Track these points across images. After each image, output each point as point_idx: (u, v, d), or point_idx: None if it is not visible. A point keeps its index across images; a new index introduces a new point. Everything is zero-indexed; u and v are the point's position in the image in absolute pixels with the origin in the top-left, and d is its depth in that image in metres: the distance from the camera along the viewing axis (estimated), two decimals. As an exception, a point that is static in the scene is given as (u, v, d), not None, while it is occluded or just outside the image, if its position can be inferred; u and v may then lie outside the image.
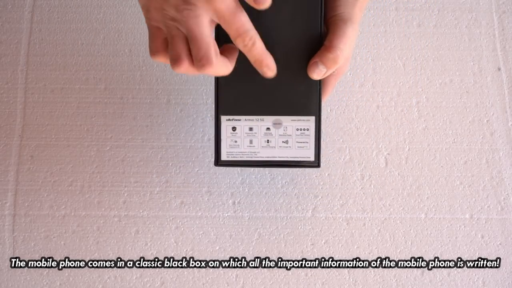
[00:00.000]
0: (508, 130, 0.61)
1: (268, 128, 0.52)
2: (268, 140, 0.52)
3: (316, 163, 0.52)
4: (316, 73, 0.49)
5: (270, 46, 0.49)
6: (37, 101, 0.63)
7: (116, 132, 0.62)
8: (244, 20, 0.45)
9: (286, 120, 0.51)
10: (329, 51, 0.48)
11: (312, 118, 0.51)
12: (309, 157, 0.52)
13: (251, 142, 0.52)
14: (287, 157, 0.52)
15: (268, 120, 0.51)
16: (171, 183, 0.60)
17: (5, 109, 0.62)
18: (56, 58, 0.64)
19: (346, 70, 0.54)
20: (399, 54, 0.64)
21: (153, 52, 0.47)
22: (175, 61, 0.45)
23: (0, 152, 0.61)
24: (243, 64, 0.49)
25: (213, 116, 0.62)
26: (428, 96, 0.62)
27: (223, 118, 0.51)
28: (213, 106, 0.62)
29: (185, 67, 0.45)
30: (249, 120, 0.52)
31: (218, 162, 0.52)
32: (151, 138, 0.61)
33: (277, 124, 0.52)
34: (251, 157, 0.52)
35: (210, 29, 0.45)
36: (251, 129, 0.52)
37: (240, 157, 0.52)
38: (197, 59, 0.45)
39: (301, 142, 0.52)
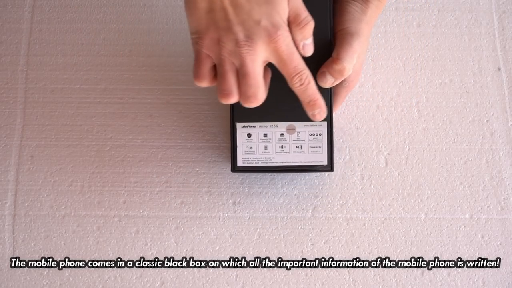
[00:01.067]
0: (508, 130, 0.61)
1: (282, 134, 0.54)
2: (282, 146, 0.54)
3: (329, 167, 0.54)
4: (324, 82, 0.51)
5: None
6: (37, 101, 0.63)
7: (116, 132, 0.62)
8: (300, 60, 0.47)
9: (299, 125, 0.53)
10: (335, 63, 0.50)
11: (324, 123, 0.53)
12: (322, 161, 0.54)
13: (265, 148, 0.54)
14: (301, 161, 0.54)
15: (282, 126, 0.53)
16: (171, 183, 0.60)
17: (5, 109, 0.62)
18: (56, 58, 0.64)
19: (357, 82, 0.56)
20: (399, 54, 0.64)
21: (199, 77, 0.47)
22: (226, 95, 0.46)
23: (0, 152, 0.61)
24: None
25: (214, 116, 0.62)
26: (428, 96, 0.62)
27: (239, 125, 0.53)
28: (214, 106, 0.62)
29: (234, 101, 0.47)
30: (264, 126, 0.54)
31: (234, 168, 0.54)
32: (151, 138, 0.61)
33: (290, 130, 0.54)
34: (266, 162, 0.54)
35: (262, 68, 0.46)
36: (265, 135, 0.54)
37: (256, 162, 0.54)
38: (246, 95, 0.46)
39: (314, 147, 0.54)
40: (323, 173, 0.59)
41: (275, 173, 0.60)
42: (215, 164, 0.60)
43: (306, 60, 0.51)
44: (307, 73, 0.47)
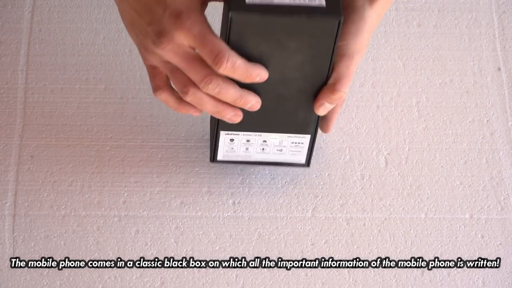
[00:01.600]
0: (508, 130, 0.61)
1: (264, 141, 0.54)
2: (263, 148, 0.54)
3: (306, 164, 0.56)
4: (323, 111, 0.49)
5: (274, 71, 0.47)
6: (37, 101, 0.63)
7: (116, 132, 0.62)
8: (217, 41, 0.43)
9: (282, 136, 0.53)
10: (333, 93, 0.47)
11: (308, 136, 0.53)
12: (301, 161, 0.56)
13: (247, 149, 0.54)
14: (280, 159, 0.55)
15: (266, 136, 0.53)
16: (171, 183, 0.60)
17: (5, 109, 0.62)
18: (56, 58, 0.64)
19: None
20: (399, 54, 0.64)
21: (154, 90, 0.48)
22: (182, 92, 0.46)
23: (0, 152, 0.61)
24: (245, 84, 0.48)
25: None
26: (428, 96, 0.62)
27: (222, 132, 0.53)
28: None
29: (193, 92, 0.45)
30: (247, 135, 0.53)
31: (214, 159, 0.55)
32: (151, 138, 0.61)
33: (273, 139, 0.54)
34: (246, 158, 0.55)
35: (193, 51, 0.44)
36: (248, 140, 0.54)
37: (235, 158, 0.55)
38: (198, 81, 0.44)
39: (295, 151, 0.54)
40: (323, 173, 0.59)
41: (275, 173, 0.60)
42: (215, 164, 0.60)
43: (302, 82, 0.48)
44: (227, 54, 0.42)
